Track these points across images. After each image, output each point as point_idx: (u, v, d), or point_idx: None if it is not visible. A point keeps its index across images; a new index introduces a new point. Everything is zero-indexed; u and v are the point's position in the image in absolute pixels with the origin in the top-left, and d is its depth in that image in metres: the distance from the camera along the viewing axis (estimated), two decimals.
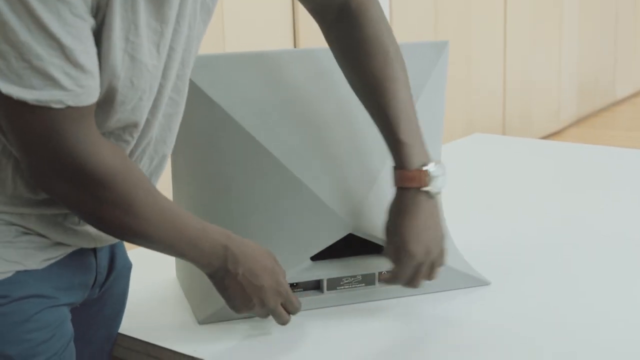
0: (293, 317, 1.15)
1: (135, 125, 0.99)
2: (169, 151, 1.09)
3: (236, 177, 1.22)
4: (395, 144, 1.17)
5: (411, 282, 1.17)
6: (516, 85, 4.99)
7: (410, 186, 1.16)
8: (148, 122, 1.01)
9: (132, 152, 1.02)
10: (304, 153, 1.22)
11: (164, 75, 1.01)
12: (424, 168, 1.17)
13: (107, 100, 0.94)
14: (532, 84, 5.14)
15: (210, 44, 3.03)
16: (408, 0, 4.12)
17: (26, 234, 0.98)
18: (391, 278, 1.18)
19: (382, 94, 1.19)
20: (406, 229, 1.16)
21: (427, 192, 1.17)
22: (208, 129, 1.23)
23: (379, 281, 1.25)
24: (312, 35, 3.47)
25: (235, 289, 1.08)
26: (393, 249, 1.17)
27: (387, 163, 1.25)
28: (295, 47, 3.40)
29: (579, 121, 5.73)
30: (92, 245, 1.06)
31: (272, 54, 1.28)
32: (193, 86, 1.20)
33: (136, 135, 1.00)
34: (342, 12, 1.22)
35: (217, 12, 3.07)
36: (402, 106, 1.18)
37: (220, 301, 1.12)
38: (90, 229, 1.04)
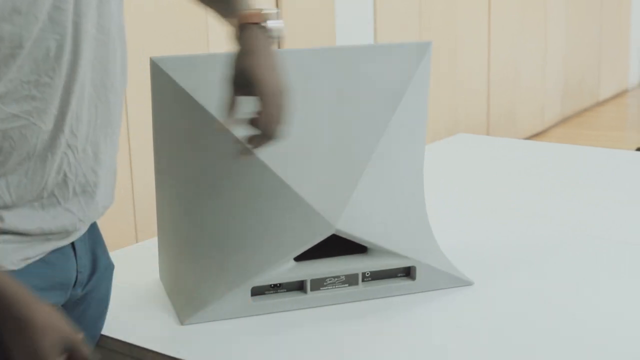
0: (279, 316, 1.15)
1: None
2: (116, 97, 1.07)
3: (219, 178, 1.22)
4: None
5: (270, 125, 1.11)
6: (501, 85, 5.01)
7: (252, 22, 1.15)
8: (71, 65, 0.99)
9: (66, 98, 1.00)
10: (287, 154, 1.22)
11: (77, 12, 0.99)
12: (263, 11, 1.18)
13: None
14: (516, 84, 5.16)
15: (194, 44, 3.04)
16: (392, 1, 4.13)
17: (3, 233, 0.98)
18: (254, 121, 1.11)
19: None
20: (261, 67, 1.12)
21: (268, 31, 1.16)
22: (190, 128, 1.22)
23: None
24: (296, 36, 3.48)
25: None
26: (258, 91, 1.11)
27: (370, 164, 1.25)
28: (278, 47, 3.40)
29: (564, 121, 5.75)
30: (76, 228, 1.05)
31: None
32: (175, 86, 1.20)
33: (46, 78, 0.97)
34: None
35: (202, 12, 3.07)
36: None
37: (204, 302, 1.12)
38: (72, 206, 1.03)
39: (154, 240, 1.52)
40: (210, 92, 1.21)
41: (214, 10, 1.24)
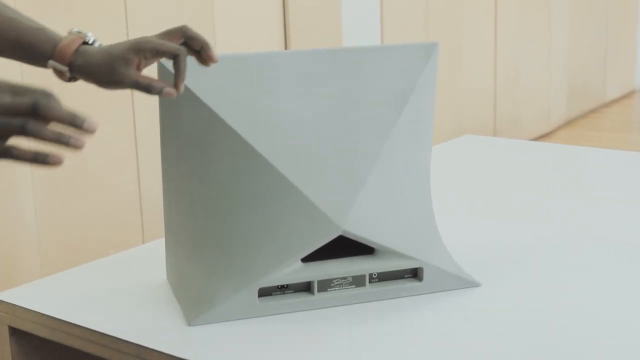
0: (286, 318, 1.14)
1: None
2: None
3: (226, 179, 1.22)
4: (37, 30, 1.14)
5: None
6: (506, 86, 5.00)
7: (77, 45, 1.14)
8: None
9: None
10: (294, 154, 1.22)
11: None
12: (71, 31, 1.15)
13: None
14: (522, 86, 5.15)
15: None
16: (398, 1, 4.12)
17: None
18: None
19: None
20: (127, 49, 1.12)
21: (91, 43, 1.15)
22: (197, 129, 1.22)
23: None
24: (303, 36, 3.48)
25: None
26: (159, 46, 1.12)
27: (377, 165, 1.25)
28: (286, 48, 3.40)
29: (569, 123, 5.74)
30: None
31: (261, 56, 1.28)
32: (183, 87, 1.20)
33: None
34: None
35: (207, 12, 3.08)
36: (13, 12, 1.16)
37: (211, 303, 1.12)
38: None
39: (161, 242, 1.52)
40: (217, 93, 1.21)
41: (24, 60, 1.18)
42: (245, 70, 1.25)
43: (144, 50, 1.12)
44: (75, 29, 1.16)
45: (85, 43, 1.16)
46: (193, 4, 3.02)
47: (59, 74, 1.15)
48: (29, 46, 1.15)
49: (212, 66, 1.19)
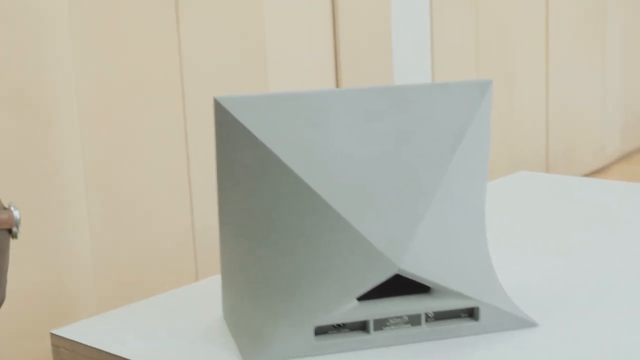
0: (342, 357, 1.14)
1: None
2: None
3: (281, 216, 1.23)
4: None
5: None
6: (559, 120, 4.97)
7: (2, 228, 1.14)
8: None
9: None
10: (350, 192, 1.23)
11: None
12: (9, 207, 1.16)
13: None
14: (575, 119, 5.11)
15: (254, 84, 3.07)
16: (449, 37, 4.13)
17: None
18: None
19: None
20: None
21: (13, 233, 1.16)
22: (253, 167, 1.23)
23: None
24: (354, 76, 3.50)
25: None
26: None
27: (432, 203, 1.25)
28: (337, 86, 3.42)
29: (624, 157, 5.67)
30: None
31: (316, 94, 1.29)
32: (238, 125, 1.22)
33: None
34: None
35: (260, 52, 3.11)
36: None
37: (267, 342, 1.12)
38: None
39: (215, 279, 1.53)
40: (274, 131, 1.22)
41: None
42: (301, 109, 1.26)
43: None
44: (12, 206, 1.18)
45: (9, 231, 1.17)
46: (245, 45, 3.05)
47: None
48: None
49: (270, 104, 1.20)
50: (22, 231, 2.42)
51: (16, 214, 1.17)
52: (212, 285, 1.52)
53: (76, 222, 2.55)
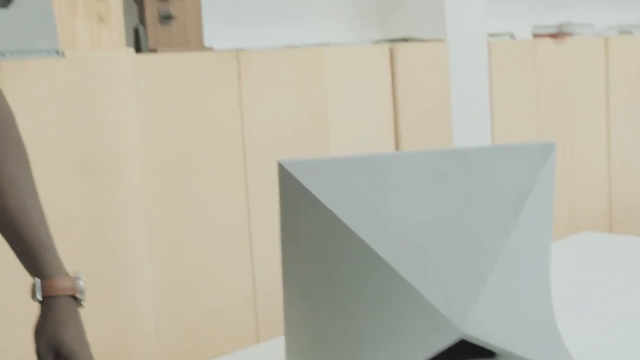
0: None
1: None
2: None
3: (345, 279, 1.22)
4: (36, 249, 1.17)
5: None
6: (621, 178, 4.90)
7: (64, 294, 1.16)
8: None
9: None
10: (413, 255, 1.22)
11: None
12: (73, 275, 1.17)
13: None
14: (637, 176, 5.04)
15: (315, 148, 3.10)
16: (508, 98, 4.13)
17: None
18: None
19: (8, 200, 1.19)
20: (74, 341, 1.16)
21: (78, 300, 1.19)
22: (317, 230, 1.24)
23: None
24: (414, 138, 3.51)
25: None
26: None
27: (496, 266, 1.24)
28: (397, 149, 3.43)
29: None
30: None
31: (379, 157, 1.29)
32: (302, 188, 1.23)
33: None
34: None
35: (321, 115, 3.14)
36: (31, 210, 1.19)
37: None
38: None
39: (276, 341, 1.53)
40: (336, 194, 1.23)
41: (18, 257, 1.23)
42: (364, 171, 1.27)
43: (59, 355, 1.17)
44: (77, 275, 1.21)
45: (74, 297, 1.20)
46: (306, 108, 3.08)
47: (32, 291, 1.20)
48: (28, 256, 1.20)
49: (333, 168, 1.21)
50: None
51: (80, 283, 1.19)
52: (274, 347, 1.52)
53: (138, 283, 2.57)
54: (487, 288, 1.23)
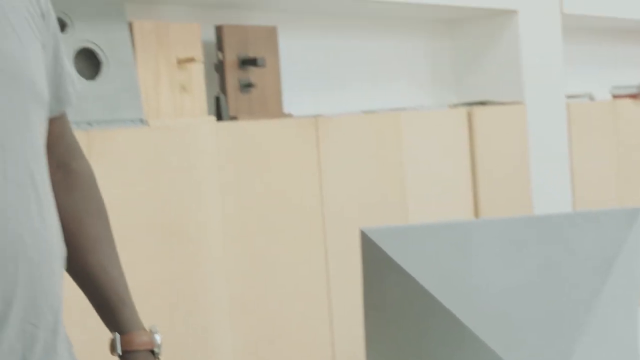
0: None
1: None
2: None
3: (429, 347, 1.22)
4: (115, 304, 1.20)
5: None
6: None
7: (142, 349, 1.17)
8: None
9: None
10: (497, 323, 1.21)
11: None
12: (149, 329, 1.20)
13: None
14: None
15: (393, 212, 3.09)
16: (588, 164, 4.08)
17: None
18: None
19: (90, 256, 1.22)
20: None
21: (156, 354, 1.20)
22: (400, 297, 1.24)
23: None
24: (493, 203, 3.48)
25: None
26: None
27: (583, 334, 1.22)
28: (475, 216, 3.41)
29: None
30: None
31: (460, 224, 1.29)
32: (384, 256, 1.23)
33: None
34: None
35: (399, 180, 3.14)
36: (111, 270, 1.23)
37: None
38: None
39: None
40: (420, 262, 1.23)
41: (94, 306, 1.26)
42: (446, 239, 1.27)
43: None
44: (154, 330, 1.24)
45: (152, 352, 1.23)
46: (386, 173, 3.10)
47: (112, 346, 1.23)
48: (107, 311, 1.24)
49: (416, 235, 1.22)
50: (164, 355, 2.46)
51: (157, 337, 1.22)
52: None
53: (219, 349, 2.59)
54: (574, 356, 1.21)
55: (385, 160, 3.09)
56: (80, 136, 2.27)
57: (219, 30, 2.85)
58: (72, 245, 1.21)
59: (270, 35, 2.98)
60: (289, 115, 2.93)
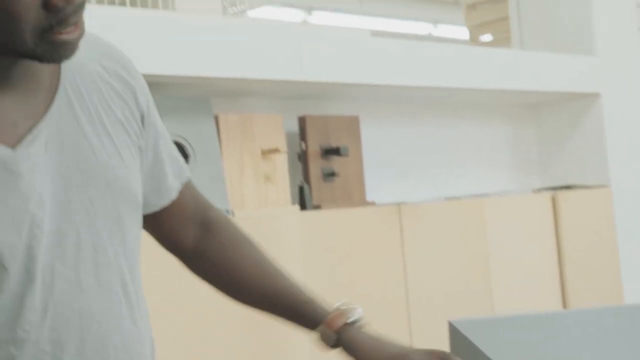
0: None
1: None
2: None
3: None
4: (306, 303, 1.25)
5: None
6: None
7: (342, 323, 1.21)
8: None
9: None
10: None
11: (61, 260, 1.02)
12: (337, 305, 1.23)
13: None
14: None
15: (478, 299, 3.05)
16: None
17: None
18: None
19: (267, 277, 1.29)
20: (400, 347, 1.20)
21: (358, 322, 1.22)
22: None
23: None
24: (581, 291, 3.40)
25: None
26: None
27: None
28: (564, 306, 3.34)
29: None
30: None
31: (549, 315, 1.28)
32: (473, 348, 1.22)
33: None
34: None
35: (483, 267, 3.10)
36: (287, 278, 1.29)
37: None
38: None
39: None
40: (509, 354, 1.22)
41: (288, 321, 1.30)
42: (534, 330, 1.25)
43: None
44: (341, 303, 1.26)
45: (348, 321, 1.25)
46: (470, 259, 3.07)
47: (323, 340, 1.25)
48: (298, 317, 1.28)
49: (505, 327, 1.21)
50: None
51: (348, 308, 1.25)
52: None
53: None
54: None
55: (469, 247, 3.07)
56: None
57: (301, 120, 2.90)
58: (245, 280, 1.29)
59: (352, 124, 3.03)
60: (372, 203, 2.95)
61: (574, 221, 3.43)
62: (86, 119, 1.08)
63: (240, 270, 1.30)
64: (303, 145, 2.87)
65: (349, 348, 1.23)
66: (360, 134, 3.05)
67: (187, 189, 1.28)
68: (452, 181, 3.56)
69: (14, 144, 1.00)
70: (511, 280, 3.19)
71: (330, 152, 2.90)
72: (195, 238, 1.30)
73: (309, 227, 2.62)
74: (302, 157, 2.89)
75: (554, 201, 3.40)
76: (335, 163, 2.93)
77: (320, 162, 2.89)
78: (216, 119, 2.64)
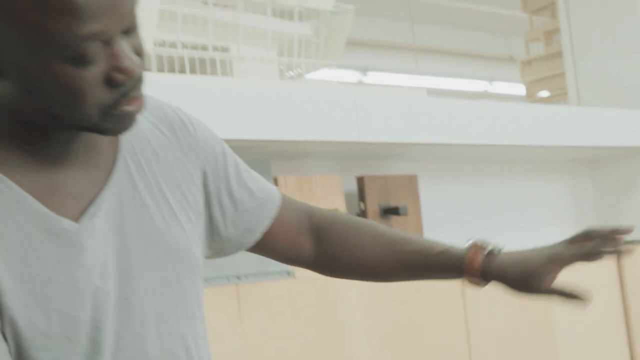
0: None
1: None
2: None
3: None
4: (440, 254, 1.24)
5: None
6: None
7: (483, 256, 1.21)
8: None
9: None
10: None
11: (129, 331, 1.02)
12: (471, 242, 1.22)
13: None
14: None
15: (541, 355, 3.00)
16: None
17: None
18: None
19: (398, 242, 1.28)
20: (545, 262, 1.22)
21: (497, 250, 1.22)
22: None
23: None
24: None
25: None
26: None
27: None
28: (628, 337, 3.28)
29: None
30: None
31: None
32: None
33: None
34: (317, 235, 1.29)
35: (547, 330, 3.05)
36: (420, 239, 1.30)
37: None
38: None
39: None
40: None
41: (432, 278, 1.31)
42: None
43: (562, 265, 1.23)
44: (474, 240, 1.27)
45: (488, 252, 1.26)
46: (532, 319, 3.04)
47: (476, 285, 1.26)
48: (439, 270, 1.28)
49: None
50: None
51: (482, 243, 1.26)
52: None
53: None
54: None
55: (532, 306, 3.04)
56: (230, 290, 2.35)
57: (360, 181, 2.92)
58: (376, 259, 1.30)
59: (410, 183, 3.04)
60: None
61: (638, 276, 3.38)
62: (145, 187, 1.09)
63: (367, 253, 1.29)
64: (362, 206, 2.89)
65: (499, 279, 1.23)
66: (419, 193, 3.05)
67: (284, 209, 1.28)
68: (511, 238, 3.54)
69: (77, 216, 1.02)
70: (576, 339, 3.14)
71: (389, 211, 2.91)
72: (312, 246, 1.30)
73: (370, 286, 2.62)
74: (362, 217, 2.90)
75: (617, 257, 3.35)
76: (395, 222, 2.93)
77: (380, 222, 2.90)
78: (275, 181, 2.67)
